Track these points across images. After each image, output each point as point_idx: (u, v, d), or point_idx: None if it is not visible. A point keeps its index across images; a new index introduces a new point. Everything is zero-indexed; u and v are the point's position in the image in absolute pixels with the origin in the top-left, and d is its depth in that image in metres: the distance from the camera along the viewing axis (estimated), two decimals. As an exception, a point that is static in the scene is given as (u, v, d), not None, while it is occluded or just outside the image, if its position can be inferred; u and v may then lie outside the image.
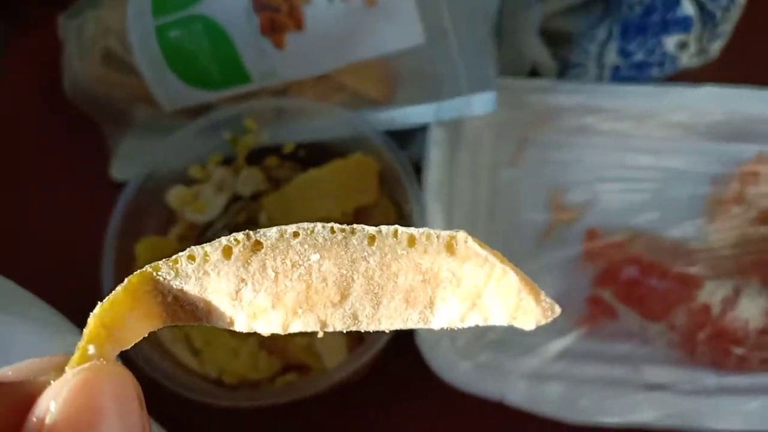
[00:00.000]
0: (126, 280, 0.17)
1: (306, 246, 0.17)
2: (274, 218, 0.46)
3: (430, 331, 0.43)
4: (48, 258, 0.50)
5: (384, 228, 0.17)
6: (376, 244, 0.17)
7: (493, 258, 0.17)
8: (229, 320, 0.17)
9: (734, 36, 0.51)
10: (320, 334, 0.17)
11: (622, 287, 0.45)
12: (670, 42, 0.50)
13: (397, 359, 0.44)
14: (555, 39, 0.53)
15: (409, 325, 0.17)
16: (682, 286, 0.44)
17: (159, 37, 0.50)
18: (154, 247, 0.45)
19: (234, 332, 0.44)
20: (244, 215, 0.48)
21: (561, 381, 0.43)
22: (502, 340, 0.44)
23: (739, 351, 0.43)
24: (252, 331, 0.17)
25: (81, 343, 0.17)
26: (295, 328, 0.17)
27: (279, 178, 0.49)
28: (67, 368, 0.16)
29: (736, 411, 0.42)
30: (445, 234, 0.17)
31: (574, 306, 0.46)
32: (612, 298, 0.45)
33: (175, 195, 0.47)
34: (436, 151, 0.47)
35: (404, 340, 0.43)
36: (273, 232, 0.17)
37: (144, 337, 0.44)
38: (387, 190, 0.47)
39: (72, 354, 0.17)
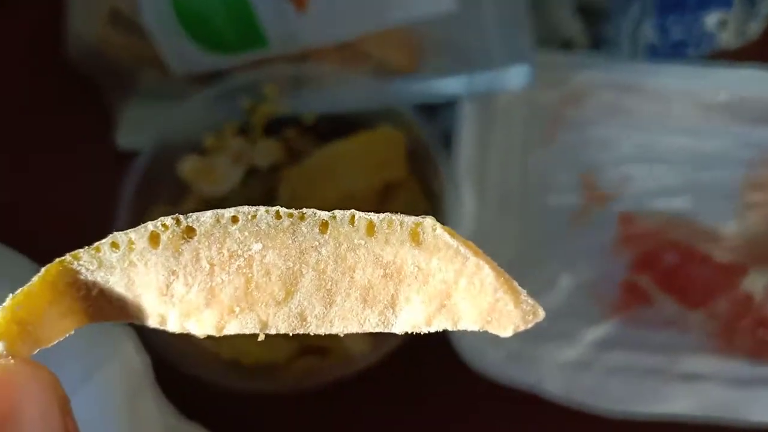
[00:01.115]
0: (43, 269, 0.14)
1: (246, 233, 0.14)
2: (296, 192, 0.44)
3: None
4: (54, 229, 0.47)
5: (339, 213, 0.14)
6: (329, 232, 0.14)
7: (466, 250, 0.14)
8: (159, 319, 0.15)
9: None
10: (261, 337, 0.15)
11: (662, 273, 0.43)
12: (710, 20, 0.48)
13: (425, 346, 0.41)
14: (587, 14, 0.51)
15: (366, 328, 0.15)
16: (725, 273, 0.42)
17: (172, -4, 0.46)
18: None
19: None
20: (262, 189, 0.45)
21: (597, 369, 0.41)
22: (534, 328, 0.42)
23: (780, 342, 0.42)
24: (185, 332, 0.15)
25: None
26: (231, 329, 0.15)
27: (298, 151, 0.46)
28: None
29: (774, 403, 0.41)
30: (410, 220, 0.14)
31: (608, 292, 0.44)
32: (649, 284, 0.43)
33: (188, 166, 0.44)
34: (467, 127, 0.45)
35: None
36: (207, 216, 0.15)
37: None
38: (414, 166, 0.45)
39: None
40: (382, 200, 0.44)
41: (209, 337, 0.42)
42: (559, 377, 0.41)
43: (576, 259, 0.45)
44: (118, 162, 0.45)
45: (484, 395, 0.42)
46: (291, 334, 0.42)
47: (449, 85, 0.46)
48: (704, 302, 0.42)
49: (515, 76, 0.45)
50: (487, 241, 0.44)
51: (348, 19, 0.46)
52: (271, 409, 0.43)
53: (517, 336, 0.41)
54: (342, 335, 0.15)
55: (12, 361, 0.14)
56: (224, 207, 0.43)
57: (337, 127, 0.46)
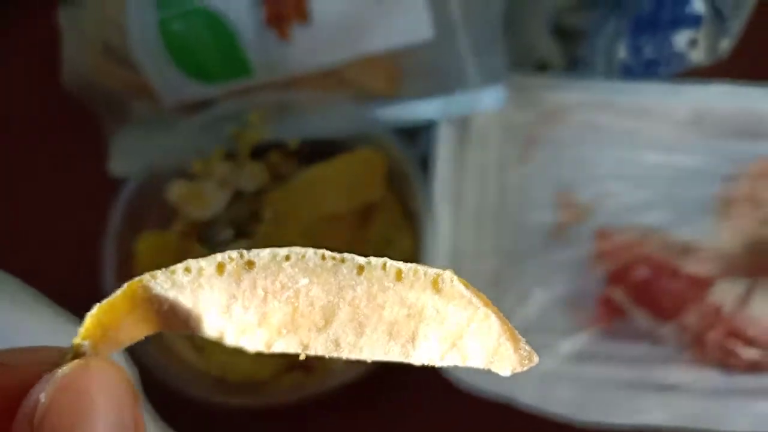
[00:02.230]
0: (126, 285, 0.17)
1: (296, 269, 0.17)
2: (280, 214, 0.45)
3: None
4: (46, 254, 0.49)
5: (373, 259, 0.17)
6: (364, 274, 0.17)
7: (477, 300, 0.17)
8: (218, 333, 0.18)
9: (743, 35, 0.50)
10: (302, 356, 0.17)
11: (634, 287, 0.44)
12: (680, 39, 0.49)
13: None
14: (562, 34, 0.53)
15: (390, 358, 0.17)
16: (694, 285, 0.43)
17: (162, 30, 0.49)
18: (155, 242, 0.44)
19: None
20: (247, 211, 0.47)
21: (571, 382, 0.43)
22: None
23: (750, 352, 0.42)
24: (237, 347, 0.17)
25: (76, 340, 0.17)
26: (277, 348, 0.17)
27: (283, 174, 0.48)
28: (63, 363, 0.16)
29: (747, 413, 0.42)
30: (432, 272, 0.17)
31: (584, 306, 0.45)
32: (623, 298, 0.44)
33: (176, 190, 0.46)
34: (444, 147, 0.47)
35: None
36: (266, 253, 0.17)
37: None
38: (393, 187, 0.47)
39: (68, 348, 0.17)
40: (362, 220, 0.46)
41: (198, 355, 0.43)
42: (535, 389, 0.42)
43: (552, 274, 0.46)
44: (110, 188, 0.47)
45: (464, 407, 0.43)
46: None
47: (426, 108, 0.48)
48: (676, 314, 0.43)
49: (490, 98, 0.47)
50: (464, 258, 0.46)
51: (329, 48, 0.48)
52: (256, 423, 0.44)
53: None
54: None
55: (96, 357, 0.16)
56: (212, 229, 0.45)
57: (319, 150, 0.48)
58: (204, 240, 0.46)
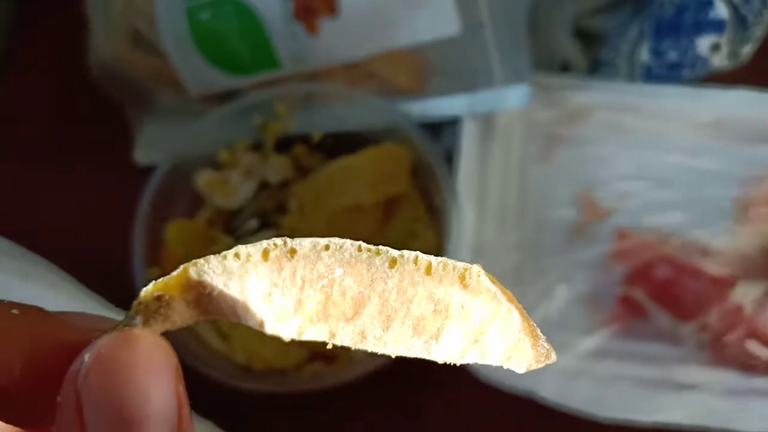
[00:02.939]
0: (181, 267, 0.18)
1: (333, 259, 0.17)
2: (304, 205, 0.46)
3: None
4: (76, 242, 0.49)
5: (406, 253, 0.17)
6: (396, 267, 0.17)
7: (502, 295, 0.17)
8: (260, 321, 0.18)
9: (765, 40, 0.51)
10: (329, 346, 0.18)
11: (655, 286, 0.44)
12: (703, 43, 0.50)
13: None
14: (585, 37, 0.53)
15: (412, 353, 0.17)
16: (715, 286, 0.44)
17: (189, 19, 0.49)
18: (184, 229, 0.45)
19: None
20: (272, 202, 0.47)
21: (591, 378, 0.43)
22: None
23: (769, 353, 0.43)
24: (275, 334, 0.18)
25: (129, 313, 0.18)
26: (307, 335, 0.18)
27: (307, 167, 0.49)
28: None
29: (765, 413, 0.42)
30: (461, 265, 0.17)
31: (604, 304, 0.45)
32: (643, 297, 0.45)
33: (203, 179, 0.47)
34: (468, 143, 0.47)
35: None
36: (307, 242, 0.18)
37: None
38: (417, 181, 0.47)
39: (120, 321, 0.18)
40: (385, 214, 0.46)
41: (223, 343, 0.43)
42: (555, 385, 0.42)
43: (573, 271, 0.46)
44: (136, 176, 0.48)
45: (484, 400, 0.43)
46: (300, 343, 0.44)
47: (451, 105, 0.48)
48: (696, 314, 0.44)
49: (514, 96, 0.47)
50: (486, 253, 0.46)
51: (356, 42, 0.49)
52: (278, 410, 0.44)
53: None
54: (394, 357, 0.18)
55: (144, 330, 0.17)
56: (237, 219, 0.45)
57: (343, 143, 0.48)
58: (229, 229, 0.46)
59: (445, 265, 0.17)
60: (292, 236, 0.18)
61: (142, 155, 0.51)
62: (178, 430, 0.16)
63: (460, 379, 0.43)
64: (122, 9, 0.53)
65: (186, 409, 0.16)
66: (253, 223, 0.47)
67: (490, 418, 0.44)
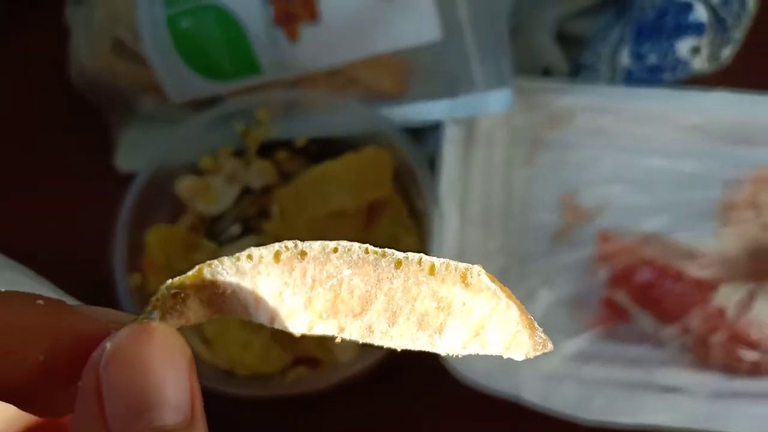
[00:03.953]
0: (196, 267, 0.19)
1: (342, 261, 0.18)
2: (287, 211, 0.46)
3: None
4: (56, 248, 0.49)
5: (411, 255, 0.18)
6: (401, 268, 0.18)
7: (501, 293, 0.18)
8: (271, 318, 0.19)
9: (744, 43, 0.51)
10: (338, 339, 0.19)
11: (637, 289, 0.44)
12: (683, 46, 0.50)
13: (411, 356, 0.43)
14: (567, 41, 0.53)
15: (417, 346, 0.18)
16: (698, 288, 0.44)
17: (170, 26, 0.49)
18: (165, 235, 0.45)
19: (245, 324, 0.43)
20: (255, 208, 0.47)
21: (575, 381, 0.43)
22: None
23: (752, 355, 0.43)
24: (285, 329, 0.19)
25: (147, 308, 0.19)
26: (317, 330, 0.19)
27: (290, 172, 0.49)
28: None
29: (748, 415, 0.42)
30: (462, 266, 0.18)
31: (587, 307, 0.45)
32: (626, 299, 0.45)
33: (185, 184, 0.47)
34: (450, 148, 0.47)
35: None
36: (317, 245, 0.19)
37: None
38: (400, 185, 0.47)
39: (138, 315, 0.19)
40: (368, 218, 0.46)
41: (206, 348, 0.43)
42: (539, 388, 0.42)
43: (556, 275, 0.46)
44: (117, 183, 0.47)
45: (468, 403, 0.43)
46: (284, 344, 0.44)
47: (433, 109, 0.48)
48: (678, 317, 0.44)
49: (496, 100, 0.47)
50: (469, 258, 0.46)
51: (337, 48, 0.49)
52: (262, 415, 0.44)
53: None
54: (400, 350, 0.19)
55: (161, 324, 0.18)
56: (219, 224, 0.45)
57: (326, 149, 0.48)
58: (212, 235, 0.46)
59: (447, 266, 0.18)
60: (274, 241, 0.18)
61: (123, 162, 0.51)
62: (192, 418, 0.17)
63: (444, 383, 0.43)
64: (103, 17, 0.53)
65: (198, 399, 0.17)
66: (235, 229, 0.46)
67: (475, 422, 0.44)
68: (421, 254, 0.18)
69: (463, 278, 0.18)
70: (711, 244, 0.47)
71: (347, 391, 0.42)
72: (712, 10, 0.50)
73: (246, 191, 0.48)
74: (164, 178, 0.47)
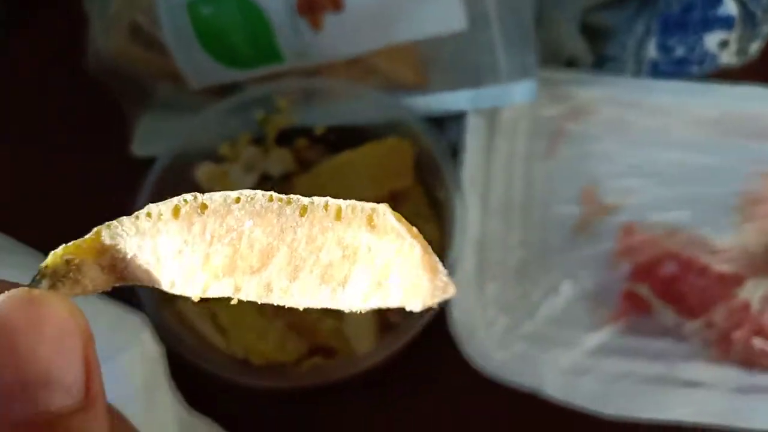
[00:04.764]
0: (94, 230, 0.17)
1: (243, 212, 0.17)
2: (307, 199, 0.45)
3: (466, 319, 0.43)
4: (72, 235, 0.48)
5: (316, 199, 0.17)
6: (306, 215, 0.17)
7: (406, 232, 0.16)
8: (170, 282, 0.17)
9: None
10: (233, 301, 0.17)
11: (661, 283, 0.44)
12: (712, 40, 0.50)
13: (429, 347, 0.43)
14: (592, 32, 0.53)
15: (319, 303, 0.17)
16: (723, 283, 0.43)
17: (190, 12, 0.48)
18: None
19: (262, 312, 0.42)
20: (274, 196, 0.47)
21: (596, 375, 0.43)
22: (537, 333, 0.44)
23: (776, 351, 0.42)
24: (183, 294, 0.17)
25: (35, 276, 0.17)
26: (212, 292, 0.17)
27: (309, 161, 0.48)
28: None
29: (771, 411, 0.42)
30: (369, 206, 0.17)
31: (608, 301, 0.45)
32: (649, 293, 0.44)
33: (204, 172, 0.46)
34: (473, 139, 0.47)
35: (438, 328, 0.42)
36: (218, 195, 0.17)
37: (167, 311, 0.42)
38: (421, 176, 0.46)
39: (27, 285, 0.17)
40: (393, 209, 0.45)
41: (221, 337, 0.43)
42: (560, 382, 0.42)
43: (577, 267, 0.46)
44: (134, 169, 0.47)
45: (488, 397, 0.43)
46: (300, 333, 0.43)
47: (456, 100, 0.48)
48: (702, 311, 0.43)
49: (520, 92, 0.47)
50: (491, 249, 0.46)
51: (360, 37, 0.48)
52: (278, 405, 0.44)
53: (521, 340, 0.43)
54: (301, 309, 0.17)
55: (44, 291, 0.16)
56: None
57: (346, 137, 0.48)
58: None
59: (353, 208, 0.17)
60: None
61: (139, 147, 0.51)
62: (86, 398, 0.15)
63: (463, 375, 0.42)
64: (122, 2, 0.52)
65: (96, 378, 0.15)
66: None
67: (493, 414, 0.44)
68: (328, 198, 0.17)
69: (370, 220, 0.16)
70: (734, 239, 0.47)
71: (363, 382, 0.42)
72: (742, 4, 0.49)
73: (264, 179, 0.48)
74: (183, 165, 0.46)
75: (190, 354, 0.40)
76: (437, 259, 0.16)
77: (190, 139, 0.47)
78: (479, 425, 0.44)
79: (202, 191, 0.47)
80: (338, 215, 0.17)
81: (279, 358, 0.43)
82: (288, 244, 0.17)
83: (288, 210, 0.17)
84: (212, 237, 0.17)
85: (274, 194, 0.17)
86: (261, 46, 0.49)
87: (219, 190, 0.46)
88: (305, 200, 0.17)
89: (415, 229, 0.16)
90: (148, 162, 0.46)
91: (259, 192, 0.17)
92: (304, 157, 0.48)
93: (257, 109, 0.48)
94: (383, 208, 0.17)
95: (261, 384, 0.42)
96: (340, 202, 0.17)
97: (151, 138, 0.52)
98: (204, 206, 0.17)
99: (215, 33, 0.49)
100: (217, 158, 0.48)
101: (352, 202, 0.17)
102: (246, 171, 0.47)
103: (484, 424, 0.44)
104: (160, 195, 0.44)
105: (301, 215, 0.17)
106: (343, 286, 0.17)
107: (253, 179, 0.47)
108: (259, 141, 0.49)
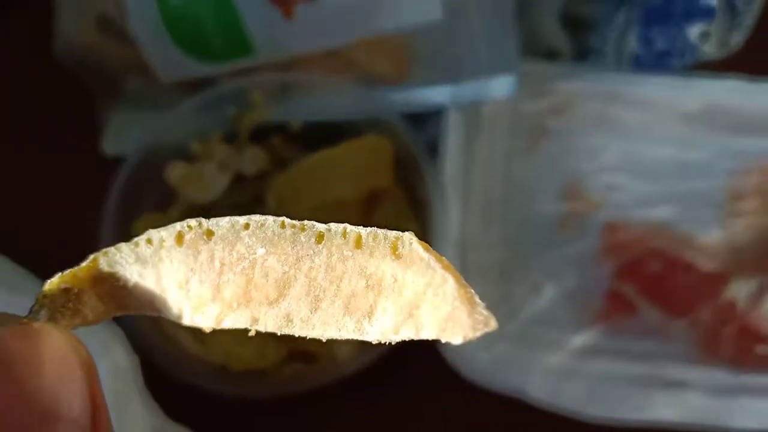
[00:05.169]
0: (90, 256, 0.16)
1: (254, 239, 0.16)
2: (283, 199, 0.44)
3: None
4: (41, 237, 0.46)
5: (333, 226, 0.16)
6: (324, 242, 0.16)
7: (436, 263, 0.16)
8: (178, 312, 0.17)
9: (755, 29, 0.50)
10: (252, 333, 0.16)
11: (646, 282, 0.43)
12: (693, 31, 0.49)
13: (411, 351, 0.42)
14: (572, 24, 0.52)
15: (343, 335, 0.16)
16: (709, 282, 0.42)
17: (160, 3, 0.47)
18: (154, 224, 0.42)
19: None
20: (249, 195, 0.45)
21: (580, 377, 0.42)
22: (520, 334, 0.43)
23: (762, 349, 0.42)
24: (194, 326, 0.16)
25: (33, 307, 0.16)
26: (228, 323, 0.16)
27: (285, 158, 0.47)
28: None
29: (757, 410, 0.41)
30: (392, 234, 0.16)
31: (592, 301, 0.44)
32: (633, 292, 0.43)
33: (175, 172, 0.44)
34: (453, 135, 0.45)
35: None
36: (225, 222, 0.16)
37: (142, 319, 0.41)
38: (401, 174, 0.45)
39: (25, 316, 0.16)
40: (368, 208, 0.44)
41: (199, 344, 0.41)
42: (544, 384, 0.41)
43: (560, 267, 0.45)
44: (103, 168, 0.45)
45: (470, 400, 0.42)
46: (280, 338, 0.42)
47: (435, 95, 0.47)
48: (688, 310, 0.43)
49: (501, 86, 0.46)
50: (472, 248, 0.45)
51: (335, 27, 0.47)
52: (258, 413, 0.43)
53: (504, 341, 0.42)
54: (325, 340, 0.16)
55: (44, 323, 0.15)
56: (212, 213, 0.43)
57: (323, 134, 0.46)
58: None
59: (375, 236, 0.16)
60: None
61: (110, 145, 0.49)
62: None
63: (446, 379, 0.41)
64: (90, -7, 0.50)
65: (102, 411, 0.15)
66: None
67: (477, 419, 0.43)
68: (346, 225, 0.16)
69: (394, 249, 0.16)
70: (719, 236, 0.46)
71: (345, 387, 0.40)
72: (723, -6, 0.48)
73: (240, 178, 0.46)
74: (154, 163, 0.44)
75: (166, 363, 0.38)
76: (473, 291, 0.15)
77: (161, 137, 0.45)
78: (464, 429, 0.43)
79: (175, 192, 0.45)
80: (358, 243, 0.16)
81: (259, 364, 0.41)
82: (305, 273, 0.16)
83: (303, 237, 0.16)
84: (222, 265, 0.16)
85: (286, 220, 0.16)
86: (231, 38, 0.47)
87: (192, 191, 0.44)
88: (321, 227, 0.16)
89: (445, 259, 0.16)
90: (120, 160, 0.45)
91: (270, 218, 0.16)
92: (280, 155, 0.47)
93: (230, 105, 0.47)
94: (409, 237, 0.16)
95: (240, 392, 0.40)
96: (360, 229, 0.16)
97: (123, 135, 0.50)
98: (210, 233, 0.16)
99: (185, 24, 0.47)
100: (189, 157, 0.46)
101: (373, 229, 0.16)
102: (219, 170, 0.45)
103: (469, 428, 0.43)
104: (131, 196, 0.43)
105: (317, 243, 0.16)
106: (369, 318, 0.16)
107: (227, 179, 0.45)
108: (232, 139, 0.47)
